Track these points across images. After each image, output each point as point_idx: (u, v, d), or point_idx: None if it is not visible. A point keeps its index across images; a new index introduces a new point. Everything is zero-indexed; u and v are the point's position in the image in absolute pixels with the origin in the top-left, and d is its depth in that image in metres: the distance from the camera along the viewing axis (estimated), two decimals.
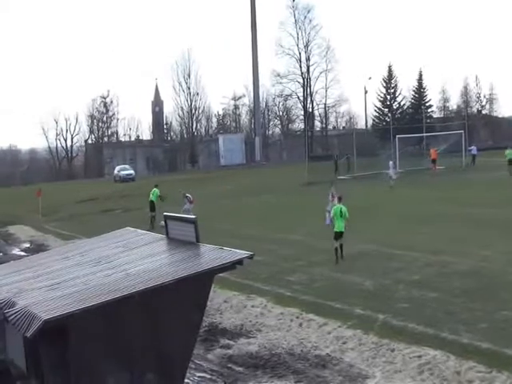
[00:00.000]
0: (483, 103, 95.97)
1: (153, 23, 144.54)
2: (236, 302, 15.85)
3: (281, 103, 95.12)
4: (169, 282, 8.43)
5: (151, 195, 30.51)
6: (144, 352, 8.47)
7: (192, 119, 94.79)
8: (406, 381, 10.46)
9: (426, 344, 11.49)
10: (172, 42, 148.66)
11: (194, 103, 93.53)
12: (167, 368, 8.65)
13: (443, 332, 11.98)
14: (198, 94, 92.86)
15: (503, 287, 14.68)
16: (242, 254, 9.31)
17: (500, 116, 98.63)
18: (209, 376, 11.63)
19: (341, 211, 18.32)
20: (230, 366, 12.06)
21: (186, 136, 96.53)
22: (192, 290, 8.75)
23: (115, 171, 71.31)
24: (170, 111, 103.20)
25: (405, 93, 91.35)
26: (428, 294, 14.65)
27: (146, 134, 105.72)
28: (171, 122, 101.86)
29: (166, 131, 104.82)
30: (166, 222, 10.97)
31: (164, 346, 8.62)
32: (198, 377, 11.55)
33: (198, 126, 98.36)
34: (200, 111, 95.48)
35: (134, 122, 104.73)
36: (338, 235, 18.43)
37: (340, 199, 18.76)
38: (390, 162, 42.34)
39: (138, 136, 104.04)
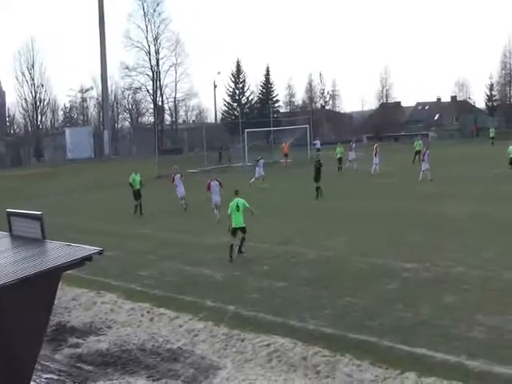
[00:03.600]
0: (327, 99, 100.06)
1: None
2: (85, 300, 15.48)
3: (130, 96, 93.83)
4: (11, 282, 8.06)
5: (134, 182, 28.20)
6: None
7: (37, 111, 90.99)
8: (255, 369, 10.71)
9: (275, 332, 11.83)
10: (14, 31, 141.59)
11: (38, 95, 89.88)
12: (11, 371, 8.29)
13: (291, 320, 12.39)
14: (42, 85, 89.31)
15: (346, 274, 15.44)
16: (90, 249, 9.08)
17: (342, 111, 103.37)
18: (56, 377, 11.28)
19: (237, 205, 17.55)
20: (79, 365, 11.77)
21: (30, 129, 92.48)
22: (37, 290, 8.43)
23: None
24: (13, 103, 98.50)
25: (253, 88, 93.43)
26: (277, 283, 15.08)
27: None
28: (14, 115, 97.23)
29: (8, 124, 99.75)
30: (9, 219, 10.46)
31: (8, 348, 8.25)
32: (45, 378, 11.17)
33: (44, 119, 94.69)
34: (45, 103, 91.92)
35: None
36: (238, 231, 17.71)
37: (237, 193, 18.03)
38: (261, 161, 38.99)
39: None
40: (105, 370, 11.37)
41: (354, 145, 44.55)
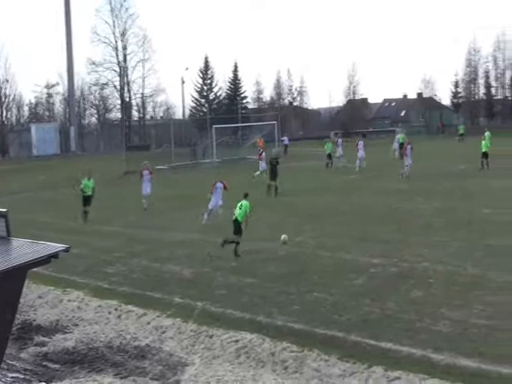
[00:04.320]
0: (294, 95, 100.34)
1: None
2: (51, 297, 15.31)
3: (97, 92, 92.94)
4: None
5: (86, 188, 25.53)
6: None
7: (1, 107, 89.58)
8: (224, 365, 10.72)
9: (243, 328, 11.84)
10: None
11: (3, 91, 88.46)
12: None
13: (259, 316, 12.41)
14: (7, 80, 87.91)
15: (315, 270, 15.52)
16: (56, 247, 9.00)
17: (310, 108, 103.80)
18: (22, 376, 11.15)
19: (240, 206, 17.78)
20: (45, 363, 11.65)
21: None
22: (2, 288, 8.33)
23: None
24: None
25: (221, 84, 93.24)
26: (245, 280, 15.10)
27: None
28: None
29: None
30: None
31: None
32: (11, 377, 11.03)
33: (9, 115, 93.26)
34: (10, 99, 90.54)
35: None
36: (234, 226, 17.69)
37: (246, 196, 18.15)
38: (263, 154, 38.38)
39: None
40: (71, 368, 11.28)
41: (339, 140, 43.39)
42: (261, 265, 16.43)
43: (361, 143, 41.03)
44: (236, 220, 17.76)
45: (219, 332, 11.88)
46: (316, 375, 10.00)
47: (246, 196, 18.33)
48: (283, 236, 18.02)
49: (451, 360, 9.77)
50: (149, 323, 12.90)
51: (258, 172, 36.88)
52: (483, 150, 35.54)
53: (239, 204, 17.98)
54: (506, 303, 12.15)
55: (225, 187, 23.18)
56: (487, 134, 42.83)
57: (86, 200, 25.51)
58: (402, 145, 42.92)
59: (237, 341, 11.42)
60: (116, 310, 13.86)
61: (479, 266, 14.89)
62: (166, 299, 14.07)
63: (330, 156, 41.67)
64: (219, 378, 10.27)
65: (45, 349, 12.31)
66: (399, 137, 46.19)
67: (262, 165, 37.13)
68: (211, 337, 11.79)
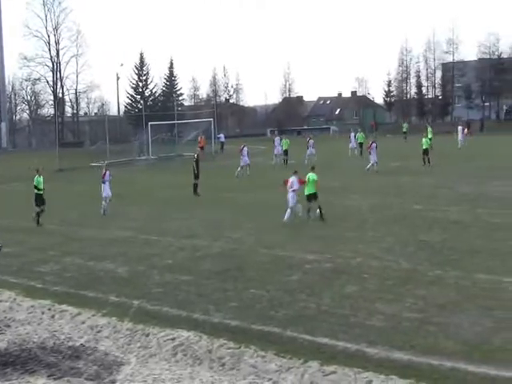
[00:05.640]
0: (231, 93, 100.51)
1: None
2: None
3: (29, 87, 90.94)
4: None
5: (39, 184, 23.64)
6: None
7: None
8: (160, 364, 10.65)
9: (180, 326, 11.79)
10: None
11: None
12: None
13: (195, 313, 12.39)
14: None
15: (251, 266, 15.59)
16: None
17: (246, 105, 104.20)
18: None
19: (309, 178, 21.05)
20: None
21: None
22: None
23: None
24: None
25: (157, 80, 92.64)
26: (181, 277, 15.04)
27: None
28: None
29: None
30: None
31: None
32: None
33: None
34: None
35: None
36: (309, 197, 20.97)
37: (313, 168, 21.64)
38: (245, 149, 37.87)
39: None
40: (3, 370, 10.98)
41: (311, 141, 43.19)
42: (197, 262, 16.40)
43: (311, 142, 42.12)
44: (310, 194, 20.88)
45: (155, 330, 11.80)
46: (253, 371, 10.04)
47: (313, 169, 21.61)
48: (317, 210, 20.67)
49: (385, 353, 9.97)
50: (83, 323, 12.70)
51: (239, 168, 36.76)
52: (424, 147, 36.24)
53: (308, 178, 21.01)
54: (437, 297, 12.50)
55: (300, 182, 21.21)
56: (429, 129, 44.05)
57: (41, 199, 23.75)
58: (361, 144, 45.24)
59: (173, 339, 11.36)
60: (49, 309, 13.58)
61: (411, 260, 15.26)
62: (101, 298, 13.88)
63: (286, 152, 42.23)
64: (156, 377, 10.20)
65: None
66: (358, 136, 47.09)
67: (243, 159, 37.11)
68: (147, 335, 11.69)
